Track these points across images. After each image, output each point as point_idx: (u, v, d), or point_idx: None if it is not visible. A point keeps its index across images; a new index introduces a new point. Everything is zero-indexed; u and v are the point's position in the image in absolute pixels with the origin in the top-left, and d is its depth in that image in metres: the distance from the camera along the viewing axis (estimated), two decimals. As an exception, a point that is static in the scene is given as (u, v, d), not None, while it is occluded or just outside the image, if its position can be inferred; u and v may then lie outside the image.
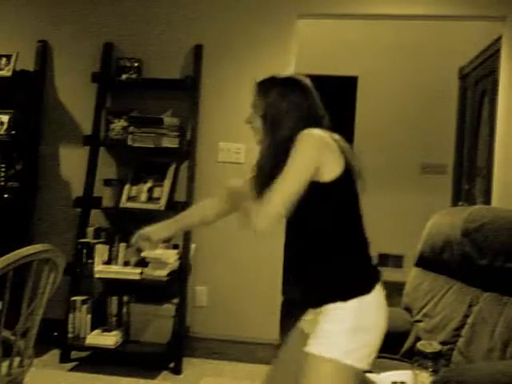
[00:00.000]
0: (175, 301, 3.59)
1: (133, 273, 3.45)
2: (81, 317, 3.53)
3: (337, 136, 1.72)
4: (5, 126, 3.66)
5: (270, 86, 1.89)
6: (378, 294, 1.73)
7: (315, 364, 1.61)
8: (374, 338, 1.67)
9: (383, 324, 1.70)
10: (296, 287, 1.83)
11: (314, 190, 1.60)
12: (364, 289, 1.68)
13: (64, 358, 3.46)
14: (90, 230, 3.63)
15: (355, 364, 1.61)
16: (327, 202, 1.65)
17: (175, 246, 3.65)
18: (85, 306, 3.54)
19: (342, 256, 1.69)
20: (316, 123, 1.72)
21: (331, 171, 1.61)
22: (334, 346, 1.61)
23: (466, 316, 2.35)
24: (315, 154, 1.59)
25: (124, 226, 3.68)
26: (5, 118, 3.67)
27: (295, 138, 1.61)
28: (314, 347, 1.63)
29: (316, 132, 1.63)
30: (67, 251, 3.37)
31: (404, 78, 5.57)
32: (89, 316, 3.54)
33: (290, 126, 1.69)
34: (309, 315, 1.82)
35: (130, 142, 3.55)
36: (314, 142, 1.61)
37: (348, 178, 1.65)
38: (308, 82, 1.92)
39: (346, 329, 1.62)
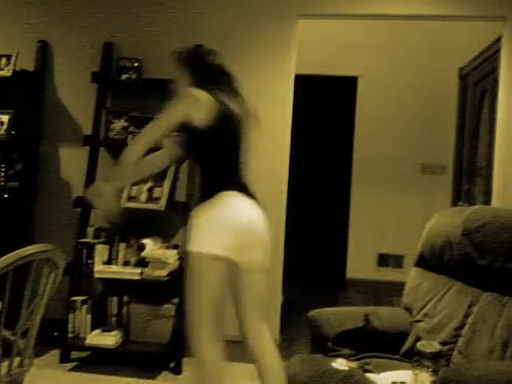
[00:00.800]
0: (175, 301, 3.59)
1: (133, 273, 3.45)
2: (81, 317, 3.53)
3: (223, 94, 2.21)
4: (5, 126, 3.66)
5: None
6: (232, 197, 2.14)
7: (188, 259, 2.13)
8: (226, 229, 2.08)
9: (237, 219, 2.13)
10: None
11: (193, 132, 2.15)
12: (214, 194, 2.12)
13: (64, 358, 3.46)
14: (90, 230, 3.63)
15: (213, 251, 2.06)
16: (202, 140, 2.18)
17: (175, 246, 3.65)
18: (85, 306, 3.54)
19: (212, 174, 2.22)
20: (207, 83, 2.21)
21: (201, 120, 2.11)
22: (194, 239, 2.11)
23: (466, 316, 2.34)
24: (181, 108, 2.14)
25: (124, 226, 3.68)
26: (5, 118, 3.67)
27: None
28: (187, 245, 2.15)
29: (189, 90, 2.17)
30: (67, 251, 3.37)
31: (404, 78, 5.57)
32: (89, 316, 3.54)
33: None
34: None
35: (130, 142, 3.55)
36: (183, 99, 2.15)
37: (221, 123, 2.13)
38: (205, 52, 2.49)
39: (202, 224, 2.11)
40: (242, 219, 2.15)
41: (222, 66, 2.39)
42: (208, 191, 2.16)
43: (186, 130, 2.17)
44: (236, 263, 2.16)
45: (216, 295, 2.16)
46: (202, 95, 2.13)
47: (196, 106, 2.12)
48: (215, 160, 2.22)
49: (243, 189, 2.21)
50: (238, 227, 2.13)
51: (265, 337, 2.33)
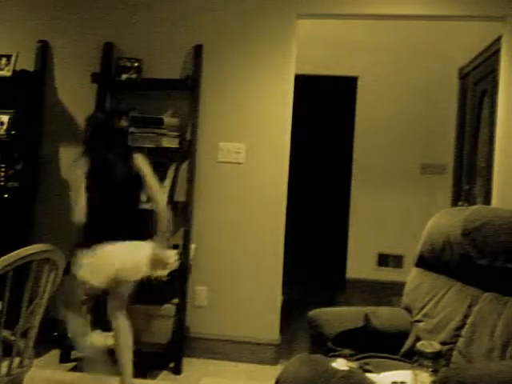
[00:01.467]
0: (175, 301, 3.59)
1: (133, 273, 3.44)
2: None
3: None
4: (5, 126, 3.66)
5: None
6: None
7: None
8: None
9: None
10: None
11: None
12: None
13: (64, 358, 3.46)
14: (90, 230, 3.62)
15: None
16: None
17: (175, 246, 3.65)
18: (85, 306, 3.53)
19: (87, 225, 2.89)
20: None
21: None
22: None
23: (466, 316, 2.34)
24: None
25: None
26: (5, 118, 3.67)
27: None
28: None
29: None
30: (67, 251, 3.36)
31: (404, 78, 5.57)
32: (89, 316, 3.54)
33: None
34: None
35: (130, 142, 3.54)
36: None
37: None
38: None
39: None
40: None
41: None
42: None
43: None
44: None
45: None
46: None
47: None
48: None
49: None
50: None
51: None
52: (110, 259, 2.81)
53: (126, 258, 2.83)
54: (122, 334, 3.00)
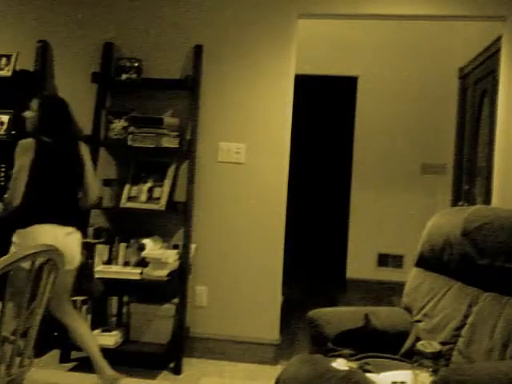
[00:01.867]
0: (175, 301, 3.59)
1: (133, 273, 3.45)
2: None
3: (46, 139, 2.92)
4: (5, 126, 3.66)
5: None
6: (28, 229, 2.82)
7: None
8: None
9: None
10: None
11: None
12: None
13: (64, 358, 3.46)
14: (90, 230, 3.63)
15: None
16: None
17: (175, 246, 3.66)
18: (85, 306, 3.54)
19: (24, 206, 2.83)
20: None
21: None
22: None
23: (466, 316, 2.34)
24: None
25: (124, 225, 3.69)
26: (5, 118, 3.67)
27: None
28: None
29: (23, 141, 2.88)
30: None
31: (404, 78, 5.57)
32: (89, 316, 3.54)
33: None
34: None
35: (130, 142, 3.55)
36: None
37: (34, 165, 2.84)
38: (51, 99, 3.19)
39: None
40: None
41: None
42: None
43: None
44: None
45: None
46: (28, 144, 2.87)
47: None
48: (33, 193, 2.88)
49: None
50: None
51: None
52: (45, 240, 2.68)
53: (62, 243, 2.68)
54: (82, 327, 3.02)
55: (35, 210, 2.85)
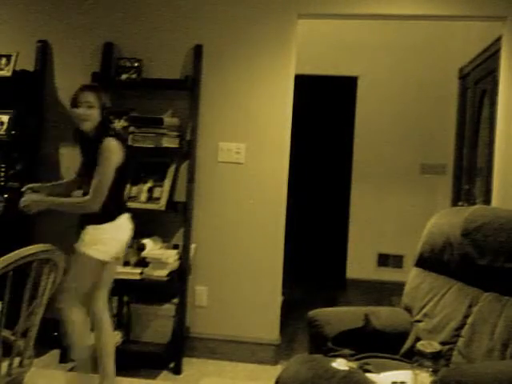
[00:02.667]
0: (175, 301, 3.59)
1: (133, 273, 3.45)
2: (81, 317, 3.52)
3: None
4: (5, 126, 3.65)
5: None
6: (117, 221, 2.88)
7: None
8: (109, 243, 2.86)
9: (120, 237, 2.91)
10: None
11: None
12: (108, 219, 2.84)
13: (64, 358, 3.46)
14: (90, 230, 3.62)
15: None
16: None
17: (175, 246, 3.66)
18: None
19: (107, 203, 2.78)
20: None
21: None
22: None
23: (466, 316, 2.35)
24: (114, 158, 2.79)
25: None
26: (5, 118, 3.66)
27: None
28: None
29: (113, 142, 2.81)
30: (67, 251, 3.36)
31: (404, 78, 5.57)
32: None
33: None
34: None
35: (130, 142, 3.54)
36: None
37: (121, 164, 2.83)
38: None
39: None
40: None
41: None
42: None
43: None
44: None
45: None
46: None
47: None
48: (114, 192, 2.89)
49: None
50: None
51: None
52: (128, 231, 2.94)
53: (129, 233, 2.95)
54: (107, 330, 2.97)
55: (120, 204, 2.95)
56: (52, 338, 3.53)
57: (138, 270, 3.45)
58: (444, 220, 2.64)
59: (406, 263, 5.38)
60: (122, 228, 2.90)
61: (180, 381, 3.37)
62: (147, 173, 3.68)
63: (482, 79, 4.19)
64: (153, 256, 3.45)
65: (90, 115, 2.82)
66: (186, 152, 3.61)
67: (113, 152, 2.77)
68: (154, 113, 3.62)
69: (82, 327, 2.89)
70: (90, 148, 2.84)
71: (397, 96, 5.59)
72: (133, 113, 3.63)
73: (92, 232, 2.84)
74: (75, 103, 2.85)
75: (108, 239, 2.84)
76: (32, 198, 2.87)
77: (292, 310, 4.43)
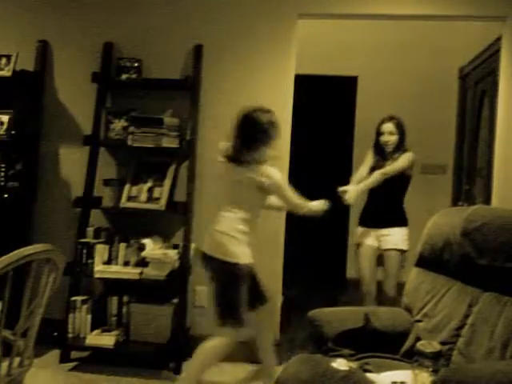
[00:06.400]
0: (175, 301, 3.59)
1: (133, 273, 3.45)
2: (81, 317, 3.53)
3: None
4: (5, 126, 3.65)
5: None
6: None
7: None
8: None
9: None
10: None
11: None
12: None
13: (64, 358, 3.46)
14: (90, 230, 3.63)
15: None
16: None
17: (175, 246, 3.66)
18: (85, 306, 3.54)
19: None
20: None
21: None
22: None
23: (466, 316, 2.34)
24: None
25: (124, 226, 3.68)
26: (5, 118, 3.66)
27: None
28: None
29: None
30: (67, 251, 3.37)
31: (404, 78, 5.57)
32: (89, 316, 3.54)
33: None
34: None
35: (130, 142, 3.55)
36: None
37: None
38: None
39: None
40: None
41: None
42: None
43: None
44: None
45: None
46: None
47: None
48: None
49: None
50: None
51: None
52: None
53: None
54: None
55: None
56: (52, 337, 3.53)
57: (138, 270, 3.45)
58: (444, 220, 2.64)
59: (406, 263, 5.37)
60: None
61: (180, 381, 3.36)
62: (147, 173, 3.68)
63: (482, 79, 4.19)
64: (153, 256, 3.45)
65: None
66: (186, 152, 3.61)
67: None
68: (154, 113, 3.62)
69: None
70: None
71: (397, 96, 5.58)
72: (133, 113, 3.63)
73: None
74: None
75: None
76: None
77: (292, 310, 4.42)
